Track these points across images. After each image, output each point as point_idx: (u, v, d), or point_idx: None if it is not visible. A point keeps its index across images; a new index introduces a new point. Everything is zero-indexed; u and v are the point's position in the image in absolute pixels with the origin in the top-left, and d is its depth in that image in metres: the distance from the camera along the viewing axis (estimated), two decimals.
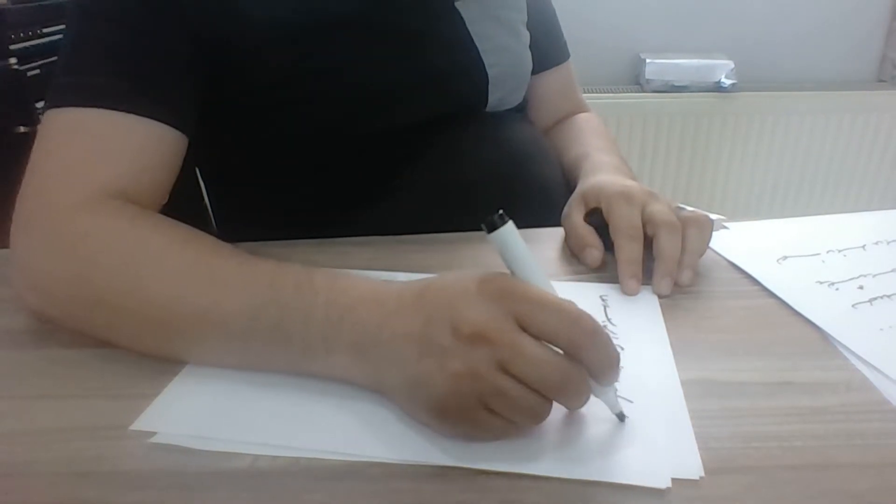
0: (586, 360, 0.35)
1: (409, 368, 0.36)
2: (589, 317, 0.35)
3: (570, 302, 0.35)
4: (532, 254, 0.37)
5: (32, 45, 1.20)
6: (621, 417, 0.38)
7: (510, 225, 0.36)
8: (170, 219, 0.48)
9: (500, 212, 0.36)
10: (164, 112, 0.53)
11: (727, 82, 1.67)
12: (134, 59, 0.53)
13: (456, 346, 0.34)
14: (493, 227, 0.36)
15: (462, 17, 0.66)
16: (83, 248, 0.46)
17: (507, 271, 0.37)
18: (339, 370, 0.40)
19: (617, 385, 0.40)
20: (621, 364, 0.36)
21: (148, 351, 0.44)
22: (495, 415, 0.35)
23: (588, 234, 0.56)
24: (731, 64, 1.67)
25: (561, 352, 0.35)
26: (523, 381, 0.34)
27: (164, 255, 0.45)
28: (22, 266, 0.48)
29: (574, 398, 0.36)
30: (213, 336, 0.42)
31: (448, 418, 0.36)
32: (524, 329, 0.34)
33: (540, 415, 0.35)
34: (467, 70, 0.67)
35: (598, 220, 0.57)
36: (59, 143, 0.51)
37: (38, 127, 0.52)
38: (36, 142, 0.51)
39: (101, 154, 0.51)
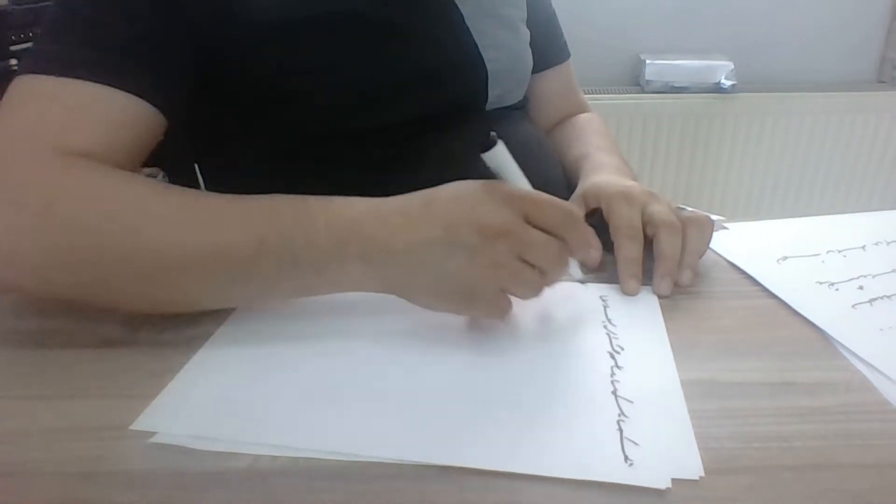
0: (572, 241, 0.45)
1: (434, 269, 0.43)
2: (574, 208, 0.45)
3: (554, 198, 0.44)
4: (517, 164, 0.45)
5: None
6: (583, 282, 0.51)
7: (501, 144, 0.44)
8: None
9: (492, 133, 0.43)
10: (141, 88, 0.51)
11: (727, 83, 1.67)
12: (119, 34, 0.52)
13: (483, 244, 0.42)
14: (487, 147, 0.43)
15: (461, 14, 0.66)
16: (61, 207, 0.44)
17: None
18: (351, 280, 0.44)
19: (617, 385, 0.41)
20: (620, 365, 0.39)
21: (142, 303, 0.45)
22: (504, 295, 0.44)
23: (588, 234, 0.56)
24: (731, 65, 1.67)
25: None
26: (533, 263, 0.43)
27: (151, 203, 0.45)
28: None
29: (561, 271, 0.46)
30: (218, 270, 0.43)
31: (471, 303, 0.44)
32: (529, 223, 0.43)
33: (540, 288, 0.45)
34: (466, 65, 0.67)
35: (598, 220, 0.57)
36: (30, 107, 0.49)
37: (9, 87, 0.49)
38: (4, 102, 0.49)
39: (75, 122, 0.49)
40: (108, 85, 0.50)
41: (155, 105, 0.53)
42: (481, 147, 0.43)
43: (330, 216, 0.44)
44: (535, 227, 0.43)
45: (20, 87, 0.49)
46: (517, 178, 0.45)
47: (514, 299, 0.45)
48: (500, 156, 0.44)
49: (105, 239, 0.43)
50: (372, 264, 0.43)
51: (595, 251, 0.55)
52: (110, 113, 0.50)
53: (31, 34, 1.20)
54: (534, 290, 0.45)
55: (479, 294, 0.43)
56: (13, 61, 1.15)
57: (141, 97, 0.51)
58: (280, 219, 0.44)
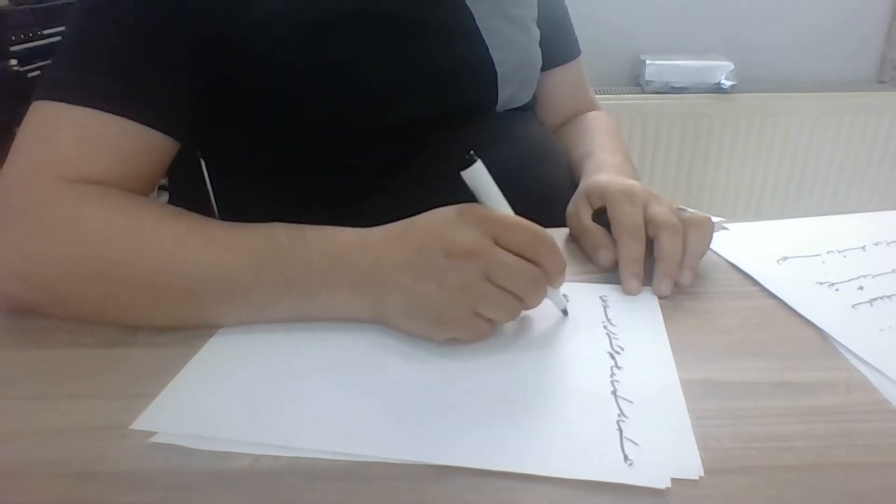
0: (546, 266, 0.44)
1: (407, 292, 0.43)
2: (547, 233, 0.44)
3: (529, 222, 0.44)
4: (496, 185, 0.44)
5: (33, 47, 1.20)
6: (565, 313, 0.48)
7: (479, 163, 0.43)
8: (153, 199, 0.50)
9: (471, 152, 0.43)
10: (153, 117, 0.53)
11: (727, 83, 1.67)
12: (132, 62, 0.53)
13: (449, 265, 0.42)
14: (465, 166, 0.43)
15: (471, 13, 0.66)
16: (77, 228, 0.47)
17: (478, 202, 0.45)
18: (341, 307, 0.46)
19: (617, 385, 0.41)
20: (620, 365, 0.39)
21: (146, 320, 0.47)
22: (480, 318, 0.43)
23: (600, 235, 0.56)
24: (731, 65, 1.67)
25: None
26: (503, 287, 0.42)
27: (160, 225, 0.47)
28: None
29: (536, 296, 0.44)
30: (218, 295, 0.46)
31: (445, 326, 0.43)
32: (499, 246, 0.42)
33: (515, 312, 0.45)
34: (476, 66, 0.67)
35: (600, 219, 0.57)
36: (48, 135, 0.51)
37: (27, 115, 0.51)
38: (22, 129, 0.51)
39: (90, 152, 0.51)
40: (122, 116, 0.52)
41: (167, 133, 0.54)
42: (459, 165, 0.43)
43: (323, 245, 0.46)
44: (506, 250, 0.43)
45: (36, 115, 0.52)
46: (494, 199, 0.45)
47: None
48: (477, 174, 0.43)
49: (112, 263, 0.46)
50: (358, 291, 0.45)
51: (609, 251, 0.55)
52: (124, 143, 0.52)
53: (31, 34, 1.20)
54: (507, 314, 0.44)
55: (450, 316, 0.43)
56: (13, 61, 1.15)
57: (154, 127, 0.53)
58: (278, 248, 0.46)
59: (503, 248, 0.42)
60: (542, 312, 0.48)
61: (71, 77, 0.52)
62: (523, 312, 0.46)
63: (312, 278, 0.45)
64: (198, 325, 0.47)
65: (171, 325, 0.47)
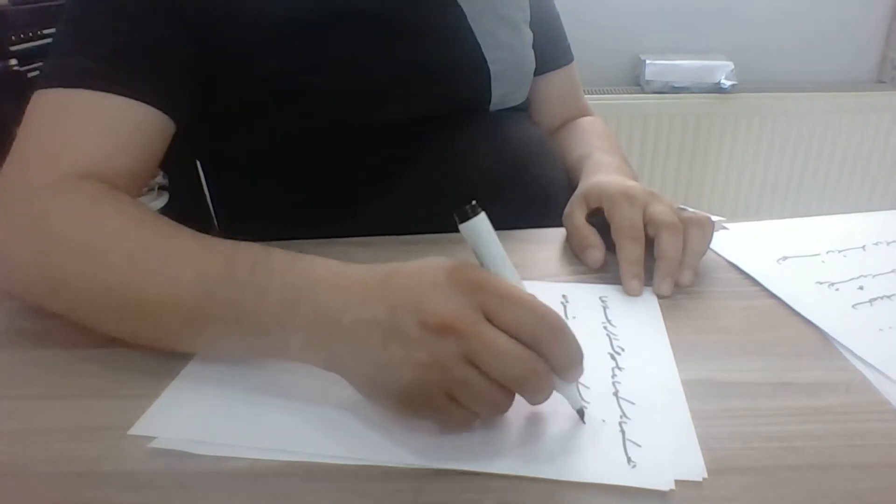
0: (550, 356, 0.34)
1: (373, 355, 0.35)
2: (555, 314, 0.34)
3: (536, 298, 0.35)
4: (502, 246, 0.36)
5: (33, 46, 1.20)
6: (581, 414, 0.37)
7: (482, 216, 0.35)
8: (132, 198, 0.48)
9: (473, 202, 0.35)
10: (147, 94, 0.53)
11: (727, 83, 1.67)
12: (122, 43, 0.53)
13: (423, 337, 0.34)
14: (464, 218, 0.35)
15: (464, 13, 0.66)
16: (43, 229, 0.46)
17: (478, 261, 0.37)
18: (295, 351, 0.39)
19: (619, 386, 0.40)
20: (622, 366, 0.37)
21: (109, 333, 0.44)
22: (459, 405, 0.35)
23: (590, 234, 0.56)
24: (731, 65, 1.67)
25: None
26: (488, 374, 0.34)
27: (120, 238, 0.44)
28: None
29: (536, 393, 0.35)
30: (167, 318, 0.42)
31: (412, 406, 0.36)
32: (491, 322, 0.34)
33: (502, 407, 0.35)
34: (469, 65, 0.67)
35: (599, 220, 0.57)
36: (38, 124, 0.51)
37: (28, 106, 0.52)
38: (23, 120, 0.51)
39: (76, 134, 0.51)
40: (116, 94, 0.51)
41: (163, 110, 0.54)
42: (459, 216, 0.35)
43: (289, 277, 0.40)
44: (497, 327, 0.34)
45: (33, 105, 0.52)
46: (496, 261, 0.36)
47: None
48: (478, 229, 0.35)
49: (72, 267, 0.44)
50: (316, 337, 0.38)
51: (598, 251, 0.55)
52: (120, 121, 0.52)
53: (31, 34, 1.20)
54: (491, 408, 0.35)
55: (419, 396, 0.35)
56: (13, 61, 1.15)
57: (149, 104, 0.53)
58: (234, 275, 0.40)
59: (496, 325, 0.34)
60: (553, 408, 0.39)
61: (65, 63, 0.52)
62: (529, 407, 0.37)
63: (265, 315, 0.39)
64: (166, 349, 0.43)
65: (136, 343, 0.44)
